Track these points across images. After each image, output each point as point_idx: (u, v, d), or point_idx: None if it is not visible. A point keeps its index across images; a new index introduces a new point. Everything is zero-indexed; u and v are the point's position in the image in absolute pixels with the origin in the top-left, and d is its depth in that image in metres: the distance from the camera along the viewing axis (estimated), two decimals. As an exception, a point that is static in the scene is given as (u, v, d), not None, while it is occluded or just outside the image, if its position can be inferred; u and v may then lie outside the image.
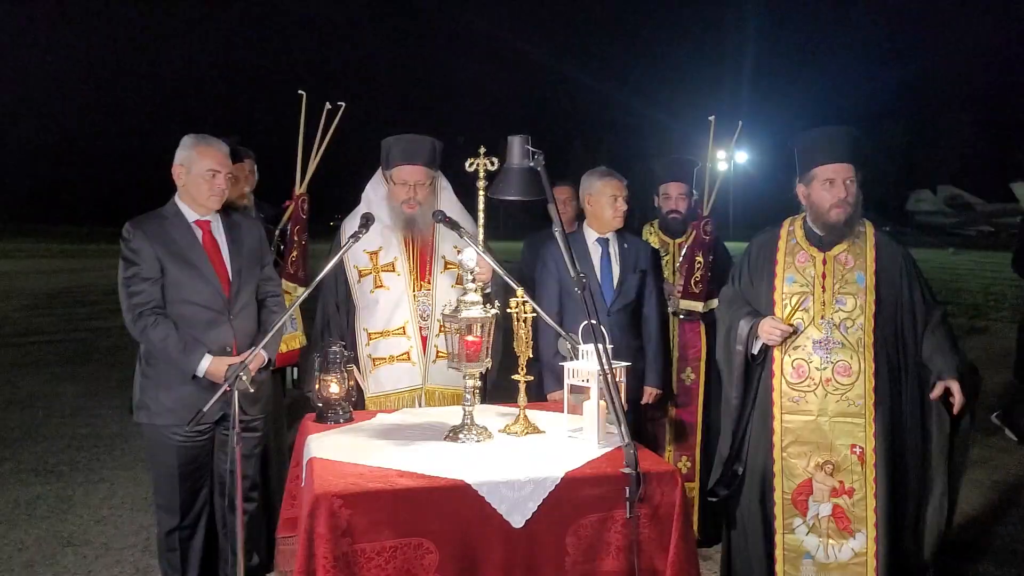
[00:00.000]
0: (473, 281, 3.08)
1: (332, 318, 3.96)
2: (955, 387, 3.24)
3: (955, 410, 3.29)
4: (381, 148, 3.99)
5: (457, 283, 3.86)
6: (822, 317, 3.35)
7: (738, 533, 3.59)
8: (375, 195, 4.00)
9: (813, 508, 3.36)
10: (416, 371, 3.86)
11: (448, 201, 4.00)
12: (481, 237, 3.74)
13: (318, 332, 4.00)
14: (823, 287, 3.36)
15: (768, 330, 3.35)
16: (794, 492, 3.39)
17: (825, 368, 3.32)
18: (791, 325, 3.34)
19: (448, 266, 3.93)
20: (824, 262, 3.39)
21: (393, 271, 3.90)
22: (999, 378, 8.24)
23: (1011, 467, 6.25)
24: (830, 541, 3.34)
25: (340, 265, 3.87)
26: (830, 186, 3.32)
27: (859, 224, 3.41)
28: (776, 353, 3.41)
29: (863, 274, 3.30)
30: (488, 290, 3.77)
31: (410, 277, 3.91)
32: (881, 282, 3.30)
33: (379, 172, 4.01)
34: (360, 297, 3.91)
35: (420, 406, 3.84)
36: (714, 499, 3.61)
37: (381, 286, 3.89)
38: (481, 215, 3.76)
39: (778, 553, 3.42)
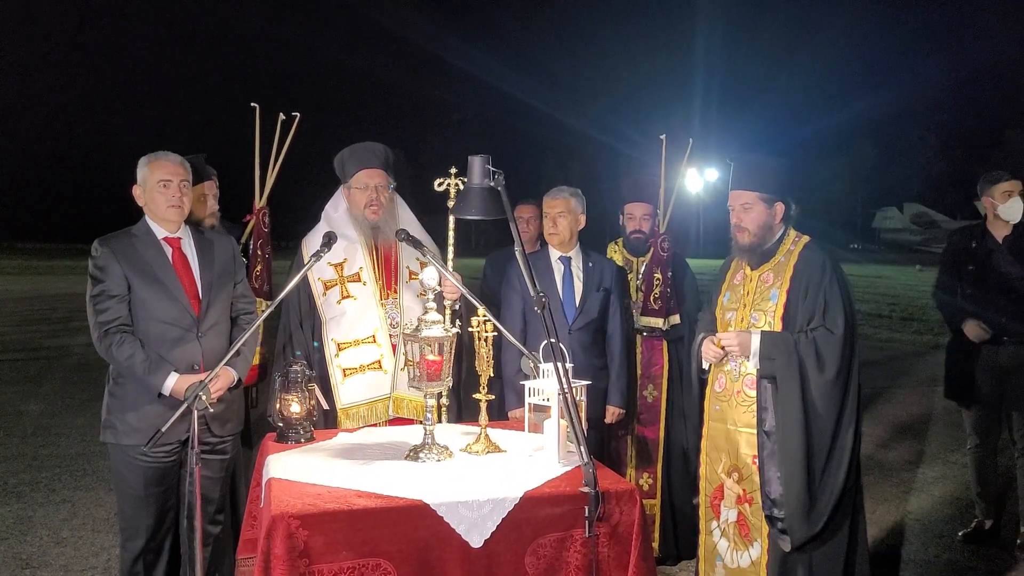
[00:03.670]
0: (434, 300, 3.09)
1: (295, 334, 3.94)
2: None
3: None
4: (335, 165, 4.01)
5: (423, 293, 3.88)
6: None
7: None
8: (335, 212, 4.02)
9: (724, 513, 3.50)
10: (388, 379, 3.86)
11: (407, 217, 4.03)
12: (450, 256, 3.77)
13: (279, 350, 3.98)
14: (744, 304, 3.48)
15: (705, 350, 3.49)
16: (711, 495, 3.55)
17: (737, 381, 3.45)
18: (723, 349, 3.43)
19: (412, 276, 3.94)
20: (751, 280, 3.50)
21: (359, 281, 3.91)
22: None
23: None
24: (736, 547, 3.46)
25: (304, 281, 3.87)
26: (732, 213, 3.49)
27: (791, 242, 3.45)
28: (712, 366, 3.56)
29: (778, 292, 3.38)
30: (457, 307, 3.81)
31: (376, 286, 3.92)
32: (791, 300, 3.35)
33: (339, 191, 4.04)
34: (327, 309, 3.90)
35: (390, 413, 3.84)
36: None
37: (348, 296, 3.89)
38: (451, 234, 3.79)
39: (700, 552, 3.61)
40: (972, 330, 4.91)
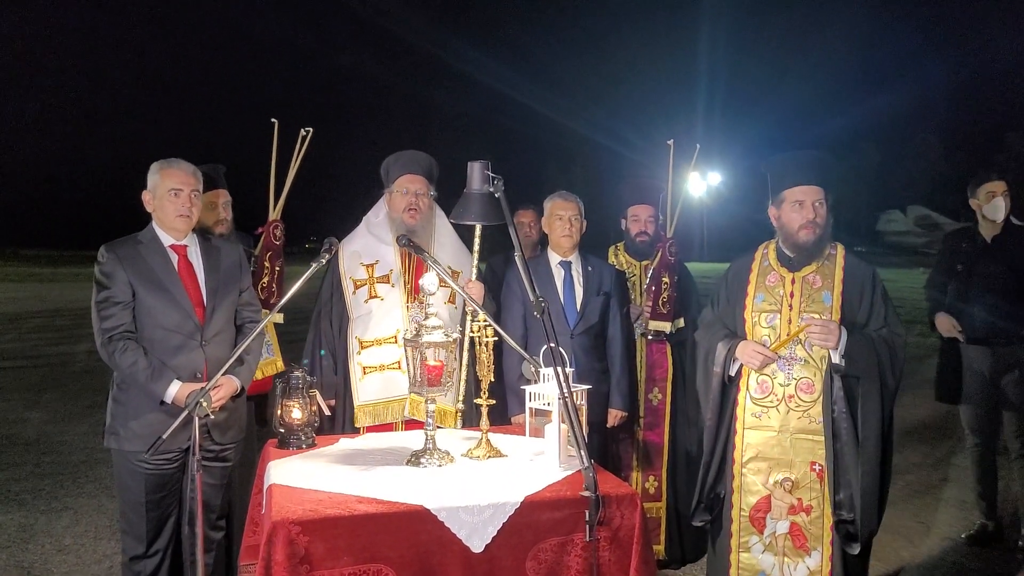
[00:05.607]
0: (435, 305, 3.10)
1: (324, 335, 4.04)
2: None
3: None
4: (380, 171, 4.09)
5: (451, 300, 3.90)
6: (787, 335, 3.35)
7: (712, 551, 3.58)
8: (376, 218, 4.12)
9: (770, 525, 3.35)
10: (406, 379, 3.87)
11: (444, 228, 4.10)
12: (475, 263, 3.83)
13: (308, 349, 4.08)
14: (790, 306, 3.37)
15: (751, 353, 3.34)
16: (752, 509, 3.38)
17: (788, 385, 3.33)
18: (777, 354, 3.33)
19: (442, 283, 3.94)
20: (793, 282, 3.41)
21: (388, 282, 3.98)
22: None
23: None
24: (786, 559, 3.33)
25: (337, 282, 4.01)
26: (799, 208, 3.35)
27: (829, 246, 3.43)
28: (743, 368, 3.41)
29: (830, 294, 3.33)
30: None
31: (404, 289, 3.98)
32: (846, 302, 3.32)
33: (381, 199, 4.11)
34: (355, 308, 3.98)
35: (407, 414, 3.89)
36: (699, 524, 3.58)
37: (375, 296, 3.97)
38: (477, 241, 3.83)
39: (733, 572, 3.41)
40: (943, 323, 4.97)
